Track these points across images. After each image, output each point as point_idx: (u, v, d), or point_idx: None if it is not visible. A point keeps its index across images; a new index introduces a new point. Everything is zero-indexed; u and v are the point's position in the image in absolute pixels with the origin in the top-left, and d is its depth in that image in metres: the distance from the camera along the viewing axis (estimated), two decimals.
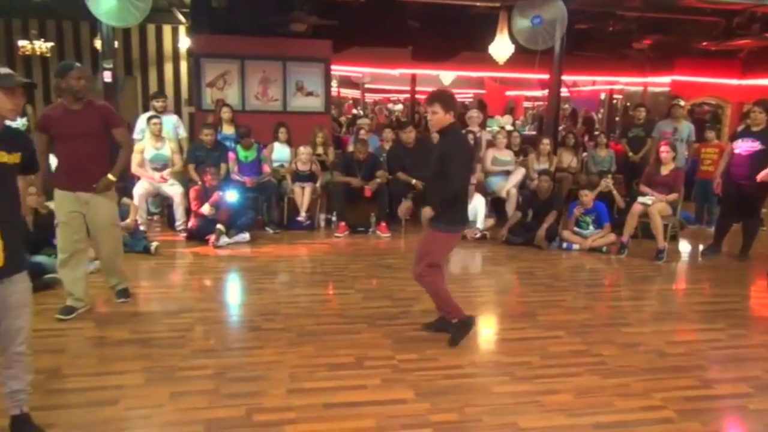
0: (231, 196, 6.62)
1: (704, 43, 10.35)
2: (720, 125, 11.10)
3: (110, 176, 4.25)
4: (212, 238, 6.34)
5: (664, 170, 6.69)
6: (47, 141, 4.23)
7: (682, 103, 8.41)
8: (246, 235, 6.64)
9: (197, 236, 6.48)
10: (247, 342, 4.02)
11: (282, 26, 9.26)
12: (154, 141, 6.99)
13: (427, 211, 3.93)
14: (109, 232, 4.38)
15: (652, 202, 6.47)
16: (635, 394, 3.41)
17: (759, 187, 6.21)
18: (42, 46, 10.38)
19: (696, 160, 8.30)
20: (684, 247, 7.26)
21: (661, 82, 11.66)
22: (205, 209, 6.48)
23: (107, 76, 7.39)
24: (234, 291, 5.35)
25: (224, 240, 6.42)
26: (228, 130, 7.77)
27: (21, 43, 10.34)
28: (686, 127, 8.15)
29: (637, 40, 10.60)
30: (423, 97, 17.97)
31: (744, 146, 6.29)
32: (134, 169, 6.87)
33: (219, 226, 6.39)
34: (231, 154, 7.30)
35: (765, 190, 6.28)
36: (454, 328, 4.05)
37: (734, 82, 11.47)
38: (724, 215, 6.76)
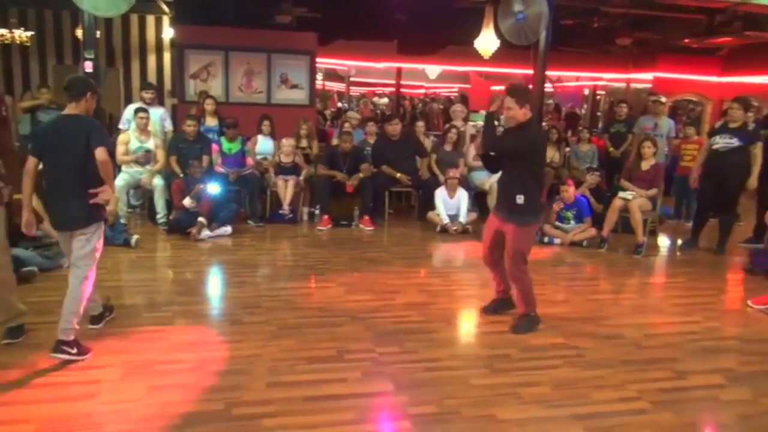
0: (213, 188, 6.59)
1: (686, 41, 10.47)
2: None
3: None
4: (194, 230, 6.30)
5: (645, 165, 6.78)
6: None
7: (663, 99, 8.48)
8: (228, 228, 6.62)
9: (178, 229, 6.44)
10: (228, 335, 4.01)
11: (267, 18, 9.21)
12: (140, 134, 6.93)
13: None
14: None
15: (633, 197, 6.55)
16: (611, 385, 3.47)
17: (735, 183, 6.33)
18: (22, 35, 10.23)
19: (676, 156, 8.40)
20: (663, 241, 7.35)
21: (643, 78, 11.78)
22: (187, 202, 6.45)
23: (88, 67, 7.27)
24: (215, 284, 5.33)
25: (206, 233, 6.39)
26: (211, 122, 7.72)
27: (0, 31, 10.18)
28: (667, 123, 8.25)
29: (621, 36, 10.68)
30: (408, 90, 18.13)
31: (721, 142, 6.38)
32: (119, 158, 6.81)
33: (200, 219, 6.36)
34: (214, 146, 7.26)
35: (741, 186, 6.40)
36: (527, 320, 4.25)
37: (714, 79, 11.64)
38: (701, 210, 6.86)
